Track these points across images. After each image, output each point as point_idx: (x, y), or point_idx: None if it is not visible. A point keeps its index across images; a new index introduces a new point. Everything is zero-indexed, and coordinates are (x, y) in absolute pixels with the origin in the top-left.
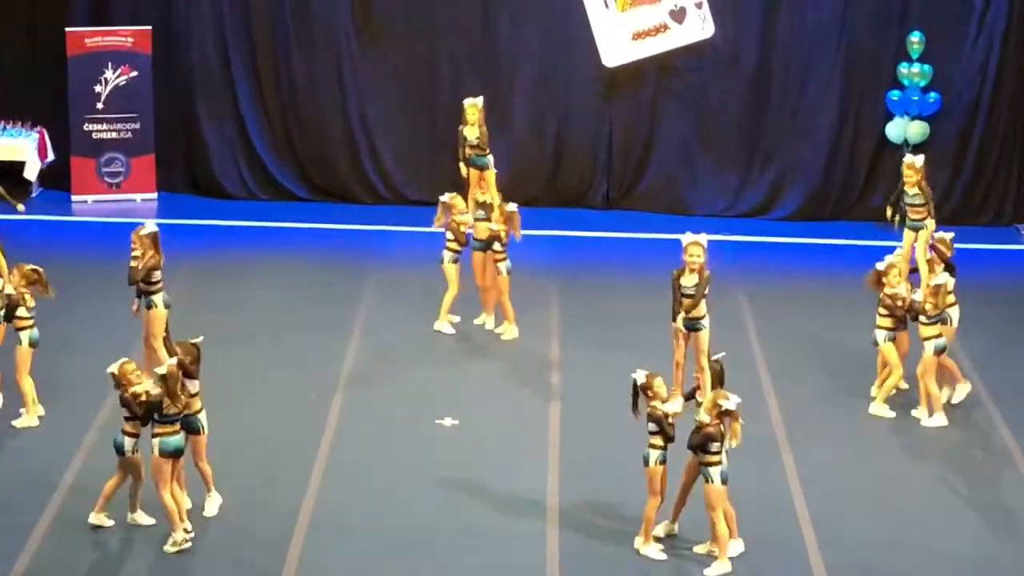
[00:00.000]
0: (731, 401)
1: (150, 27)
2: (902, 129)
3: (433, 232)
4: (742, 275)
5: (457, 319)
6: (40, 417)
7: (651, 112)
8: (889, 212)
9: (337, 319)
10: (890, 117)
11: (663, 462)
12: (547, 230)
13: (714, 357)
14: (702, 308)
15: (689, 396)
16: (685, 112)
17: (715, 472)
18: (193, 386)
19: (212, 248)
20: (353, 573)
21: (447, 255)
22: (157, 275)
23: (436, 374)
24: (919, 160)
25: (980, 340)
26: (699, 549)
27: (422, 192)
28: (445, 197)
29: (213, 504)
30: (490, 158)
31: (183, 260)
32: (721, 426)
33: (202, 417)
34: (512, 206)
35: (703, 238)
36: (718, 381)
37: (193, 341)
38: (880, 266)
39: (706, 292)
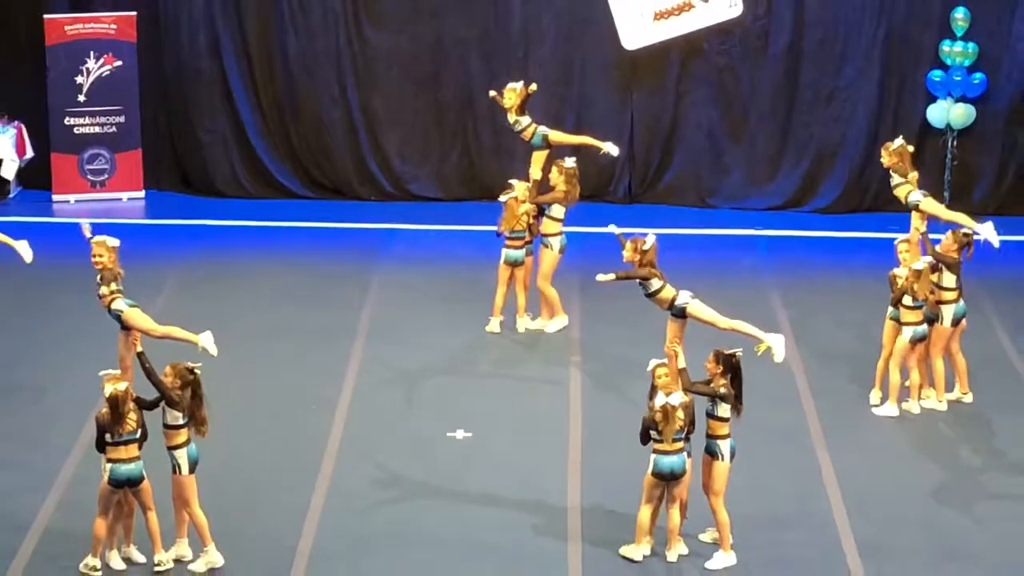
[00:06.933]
0: (673, 397)
1: (135, 13)
2: (945, 112)
3: (442, 230)
4: (775, 272)
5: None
6: None
7: (675, 98)
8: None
9: (339, 325)
10: (932, 100)
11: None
12: (565, 227)
13: (730, 351)
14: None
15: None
16: (712, 98)
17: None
18: (174, 416)
19: (204, 250)
20: None
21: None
22: None
23: (446, 383)
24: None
25: None
26: (704, 537)
27: (430, 188)
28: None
29: (200, 562)
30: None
31: (173, 262)
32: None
33: (180, 454)
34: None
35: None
36: (734, 376)
37: (190, 365)
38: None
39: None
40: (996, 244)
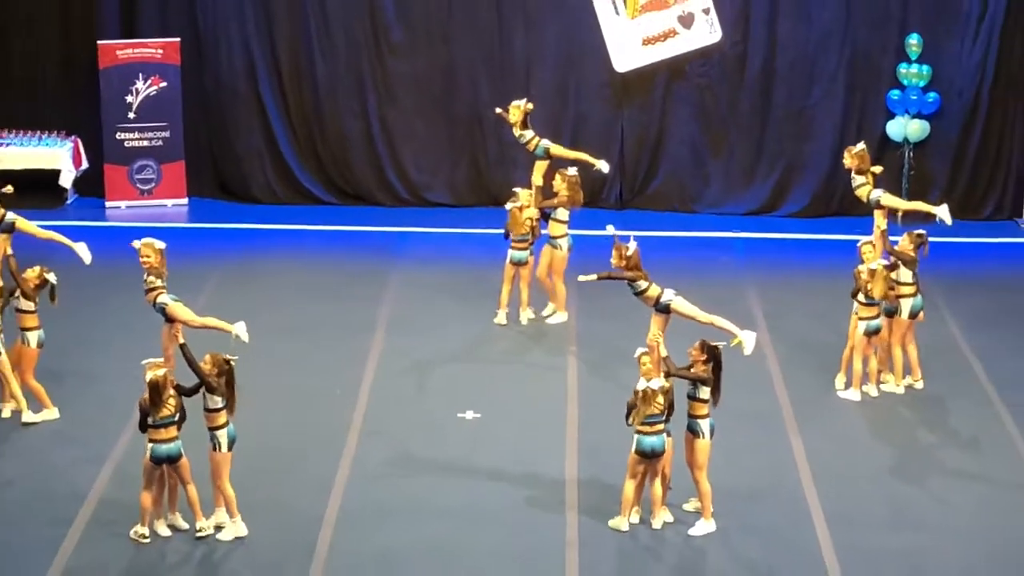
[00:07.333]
0: (653, 383)
1: (178, 39)
2: (903, 128)
3: (453, 233)
4: (751, 270)
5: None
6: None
7: (661, 115)
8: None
9: (361, 318)
10: (891, 116)
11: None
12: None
13: (713, 343)
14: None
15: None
16: (694, 115)
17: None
18: (214, 401)
19: (240, 250)
20: (380, 561)
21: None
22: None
23: (457, 370)
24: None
25: (983, 331)
26: (687, 507)
27: (441, 195)
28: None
29: (229, 531)
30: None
31: (213, 262)
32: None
33: (221, 435)
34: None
35: None
36: (716, 365)
37: (226, 356)
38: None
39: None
40: (949, 222)
